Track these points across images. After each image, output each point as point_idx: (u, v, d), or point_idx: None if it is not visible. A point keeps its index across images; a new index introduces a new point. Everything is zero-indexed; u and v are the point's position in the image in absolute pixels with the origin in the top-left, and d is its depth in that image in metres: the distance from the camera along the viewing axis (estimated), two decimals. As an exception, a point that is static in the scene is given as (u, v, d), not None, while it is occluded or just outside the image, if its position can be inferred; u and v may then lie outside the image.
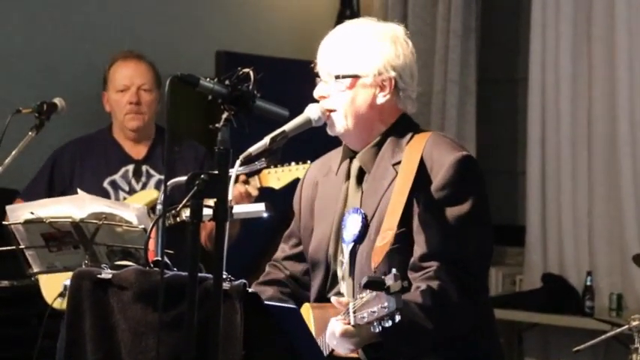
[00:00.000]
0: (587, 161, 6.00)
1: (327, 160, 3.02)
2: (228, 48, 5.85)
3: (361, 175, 2.88)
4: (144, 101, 4.49)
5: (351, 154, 2.91)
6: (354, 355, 2.67)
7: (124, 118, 4.49)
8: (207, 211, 2.35)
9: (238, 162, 2.60)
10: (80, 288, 2.60)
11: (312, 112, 2.82)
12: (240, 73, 2.50)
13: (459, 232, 2.72)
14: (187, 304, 2.32)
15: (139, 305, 2.52)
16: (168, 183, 2.73)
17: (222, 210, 2.34)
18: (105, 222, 3.33)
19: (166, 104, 2.48)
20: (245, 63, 2.56)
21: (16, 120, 3.97)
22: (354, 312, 2.49)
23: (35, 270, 3.48)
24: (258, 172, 4.11)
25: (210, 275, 2.37)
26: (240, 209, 3.61)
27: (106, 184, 4.45)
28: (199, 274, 2.35)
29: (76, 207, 3.37)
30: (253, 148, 2.67)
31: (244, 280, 2.45)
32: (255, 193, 4.18)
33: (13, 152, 3.87)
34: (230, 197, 2.39)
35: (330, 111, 2.84)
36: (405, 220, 2.71)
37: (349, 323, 2.54)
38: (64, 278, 2.81)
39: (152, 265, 2.60)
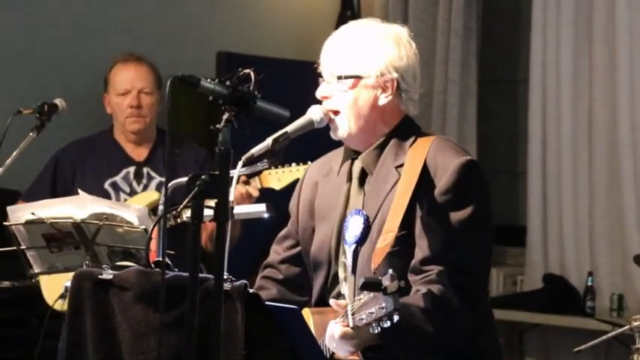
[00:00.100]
0: (587, 161, 6.00)
1: (327, 160, 3.02)
2: (229, 49, 5.85)
3: (363, 176, 2.87)
4: (145, 104, 4.49)
5: (352, 155, 2.90)
6: (354, 357, 2.66)
7: (125, 121, 4.50)
8: (208, 212, 2.35)
9: (241, 163, 2.60)
10: (81, 288, 2.60)
11: (314, 113, 2.82)
12: (241, 73, 2.50)
13: (461, 237, 2.71)
14: (188, 304, 2.32)
15: (140, 306, 2.52)
16: (170, 184, 2.73)
17: (223, 211, 2.34)
18: (106, 223, 3.33)
19: (167, 105, 2.48)
20: (246, 64, 2.56)
21: (16, 121, 3.97)
22: (353, 314, 2.49)
23: (36, 270, 3.48)
24: (258, 173, 4.11)
25: (211, 276, 2.37)
26: (241, 210, 3.62)
27: (107, 186, 4.45)
28: (200, 275, 2.35)
29: (77, 207, 3.38)
30: (256, 149, 2.67)
31: (245, 281, 2.45)
32: (256, 193, 4.18)
33: (14, 153, 3.87)
34: (231, 198, 2.39)
35: (333, 112, 2.84)
36: (407, 222, 2.70)
37: (348, 325, 2.54)
38: (65, 279, 2.81)
39: (153, 266, 2.60)
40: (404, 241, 2.71)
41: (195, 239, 2.37)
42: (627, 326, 3.89)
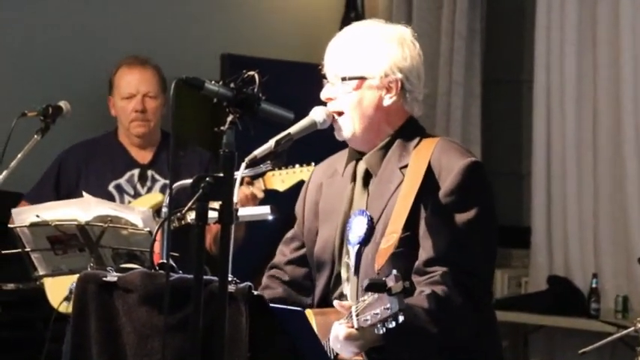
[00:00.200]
0: (592, 163, 6.00)
1: (332, 162, 3.02)
2: (233, 51, 5.86)
3: (367, 177, 2.87)
4: (149, 108, 4.50)
5: (357, 156, 2.90)
6: (358, 358, 2.66)
7: (129, 125, 4.50)
8: (212, 214, 2.35)
9: (244, 165, 2.60)
10: (85, 291, 2.60)
11: (317, 114, 2.82)
12: (245, 75, 2.50)
13: (465, 238, 2.71)
14: (193, 306, 2.32)
15: (145, 308, 2.52)
16: (174, 186, 2.73)
17: (228, 213, 2.34)
18: (110, 225, 3.34)
19: (172, 107, 2.48)
20: (250, 66, 2.56)
21: (21, 123, 3.98)
22: (357, 315, 2.49)
23: (41, 273, 3.49)
24: (262, 174, 4.11)
25: (215, 278, 2.37)
26: (245, 212, 3.63)
27: (111, 188, 4.45)
28: (205, 277, 2.35)
29: (81, 210, 3.38)
30: (258, 151, 2.67)
31: (250, 283, 2.45)
32: (260, 195, 4.18)
33: (19, 155, 3.87)
34: (235, 200, 2.40)
35: (338, 113, 2.84)
36: (411, 224, 2.70)
37: (352, 326, 2.53)
38: (69, 281, 2.82)
39: (157, 268, 2.60)
40: (408, 242, 2.70)
41: (200, 241, 2.36)
42: (632, 328, 3.89)
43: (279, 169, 4.18)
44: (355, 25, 2.91)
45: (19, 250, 3.44)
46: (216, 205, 2.35)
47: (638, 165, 5.79)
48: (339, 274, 2.87)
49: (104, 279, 2.59)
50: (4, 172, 3.84)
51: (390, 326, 2.40)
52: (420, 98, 2.87)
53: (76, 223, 3.36)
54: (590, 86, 6.00)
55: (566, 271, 6.04)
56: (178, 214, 3.91)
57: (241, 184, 2.64)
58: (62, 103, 4.08)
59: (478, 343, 2.78)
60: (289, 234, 3.07)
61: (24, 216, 3.42)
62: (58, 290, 3.85)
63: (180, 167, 4.34)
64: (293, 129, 2.73)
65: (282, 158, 2.71)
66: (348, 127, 2.84)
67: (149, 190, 4.47)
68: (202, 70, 5.19)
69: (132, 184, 4.48)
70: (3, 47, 5.27)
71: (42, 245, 3.41)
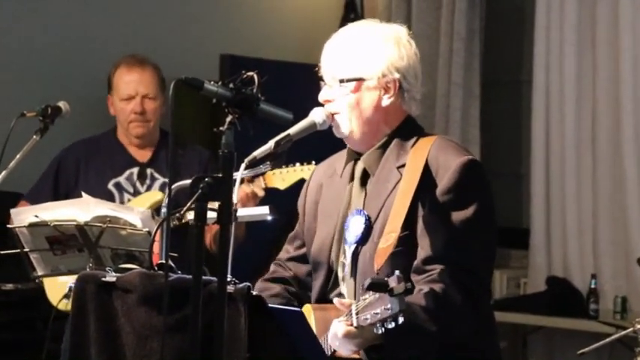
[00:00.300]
0: (591, 163, 5.99)
1: (332, 162, 3.02)
2: (233, 51, 5.86)
3: (365, 176, 2.88)
4: (148, 110, 4.50)
5: (355, 156, 2.91)
6: (356, 356, 2.67)
7: (128, 125, 4.50)
8: (211, 214, 2.35)
9: (243, 165, 2.60)
10: (84, 291, 2.60)
11: (316, 115, 2.82)
12: (245, 76, 2.51)
13: (463, 236, 2.71)
14: (192, 307, 2.32)
15: (144, 308, 2.53)
16: (173, 186, 2.74)
17: (227, 213, 2.34)
18: (109, 225, 3.34)
19: (171, 108, 2.48)
20: (249, 66, 2.56)
21: (20, 123, 3.97)
22: (357, 313, 2.49)
23: (40, 273, 3.49)
24: (262, 173, 4.11)
25: (214, 278, 2.37)
26: (244, 212, 3.62)
27: (110, 186, 4.45)
28: (203, 277, 2.35)
29: (80, 210, 3.38)
30: (258, 152, 2.67)
31: (248, 283, 2.46)
32: (261, 193, 4.18)
33: (18, 156, 3.87)
34: (235, 200, 2.40)
35: (335, 114, 2.84)
36: (409, 222, 2.71)
37: (352, 324, 2.54)
38: (69, 279, 2.82)
39: (156, 268, 2.60)
40: (407, 242, 2.71)
41: (199, 241, 2.37)
42: (631, 329, 3.89)
43: (280, 167, 4.18)
44: (350, 26, 2.91)
45: (18, 250, 3.44)
46: (215, 205, 2.35)
47: (637, 166, 5.79)
48: (336, 274, 2.88)
49: (103, 279, 2.59)
50: (3, 173, 3.83)
51: (390, 326, 2.40)
52: (418, 97, 2.87)
53: (74, 223, 3.36)
54: (590, 86, 6.00)
55: (565, 272, 6.04)
56: (177, 214, 3.90)
57: (241, 183, 2.64)
58: (61, 104, 4.08)
59: (476, 341, 2.78)
60: (293, 232, 3.10)
61: (23, 216, 3.42)
62: (57, 289, 3.85)
63: (180, 166, 4.34)
64: (292, 130, 2.74)
65: (282, 159, 2.71)
66: (346, 126, 2.84)
67: (148, 188, 4.47)
68: (202, 70, 5.20)
69: (131, 182, 4.48)
70: (3, 47, 5.27)
71: (41, 245, 3.41)
